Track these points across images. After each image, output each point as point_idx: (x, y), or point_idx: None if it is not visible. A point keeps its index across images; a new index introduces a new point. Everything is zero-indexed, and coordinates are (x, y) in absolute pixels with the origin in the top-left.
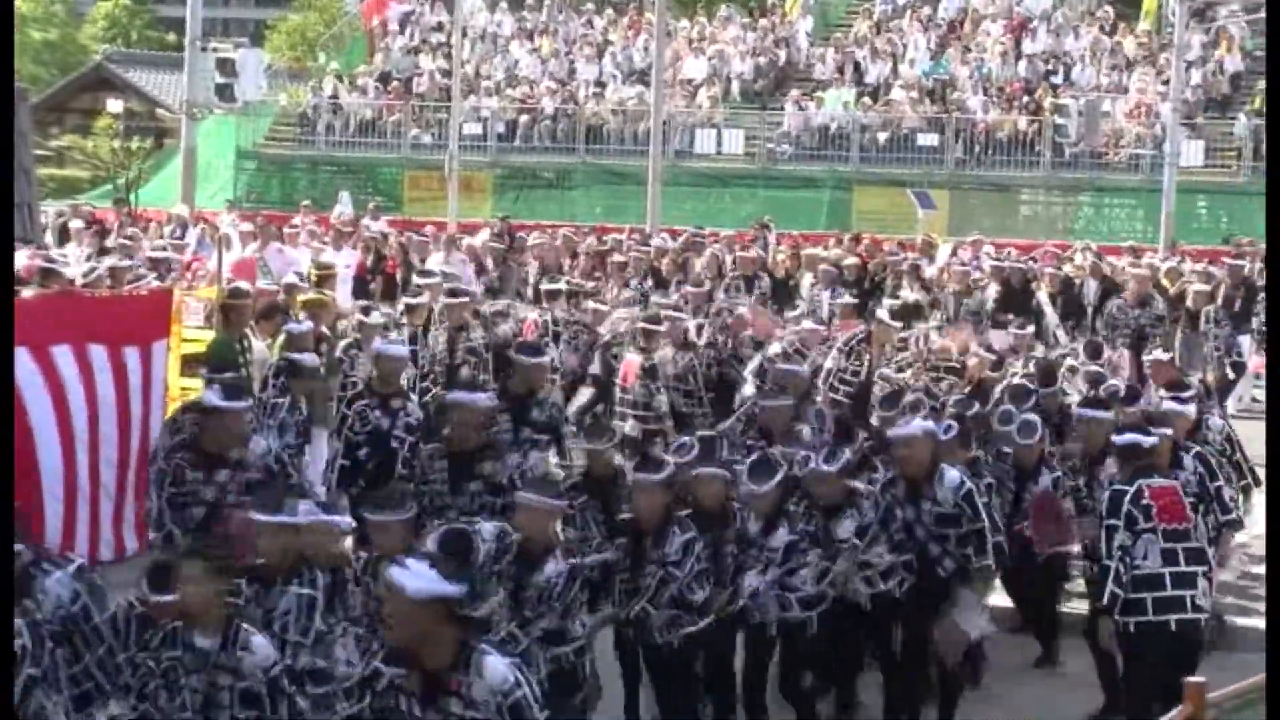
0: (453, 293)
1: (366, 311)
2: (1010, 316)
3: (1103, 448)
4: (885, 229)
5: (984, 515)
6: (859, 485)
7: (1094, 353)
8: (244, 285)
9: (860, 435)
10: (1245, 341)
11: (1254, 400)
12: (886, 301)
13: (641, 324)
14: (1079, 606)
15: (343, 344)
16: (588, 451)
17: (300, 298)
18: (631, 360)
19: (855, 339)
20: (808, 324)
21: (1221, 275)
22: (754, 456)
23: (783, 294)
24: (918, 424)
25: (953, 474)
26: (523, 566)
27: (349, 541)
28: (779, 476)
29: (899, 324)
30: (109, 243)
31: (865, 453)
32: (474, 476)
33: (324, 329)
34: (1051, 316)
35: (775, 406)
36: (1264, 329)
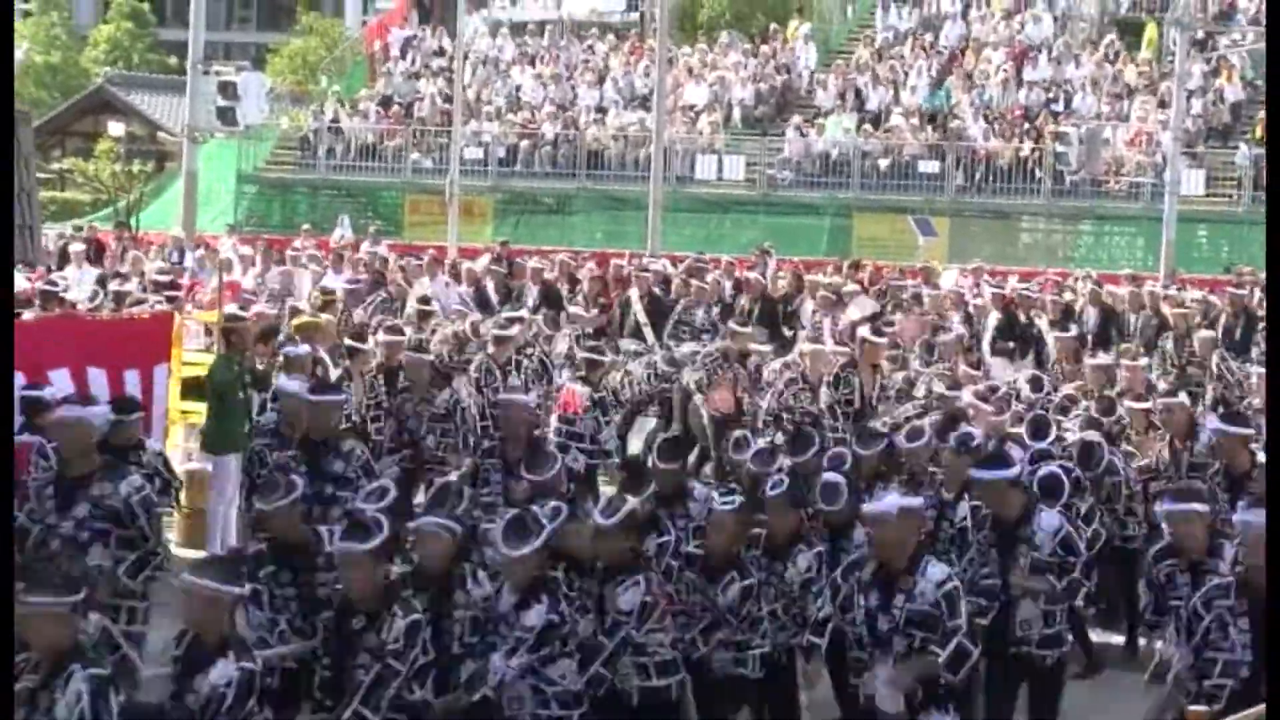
0: (392, 330)
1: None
2: (1011, 345)
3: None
4: (886, 256)
5: (963, 618)
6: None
7: (1035, 385)
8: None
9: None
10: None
11: None
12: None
13: (586, 354)
14: None
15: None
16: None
17: (295, 321)
18: (578, 390)
19: (840, 368)
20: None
21: (1222, 304)
22: (509, 515)
23: (782, 320)
24: (894, 500)
25: (939, 567)
26: (187, 667)
27: None
28: (538, 540)
29: (884, 340)
30: (110, 266)
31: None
32: (83, 500)
33: (321, 353)
34: (1052, 345)
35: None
36: (1263, 357)
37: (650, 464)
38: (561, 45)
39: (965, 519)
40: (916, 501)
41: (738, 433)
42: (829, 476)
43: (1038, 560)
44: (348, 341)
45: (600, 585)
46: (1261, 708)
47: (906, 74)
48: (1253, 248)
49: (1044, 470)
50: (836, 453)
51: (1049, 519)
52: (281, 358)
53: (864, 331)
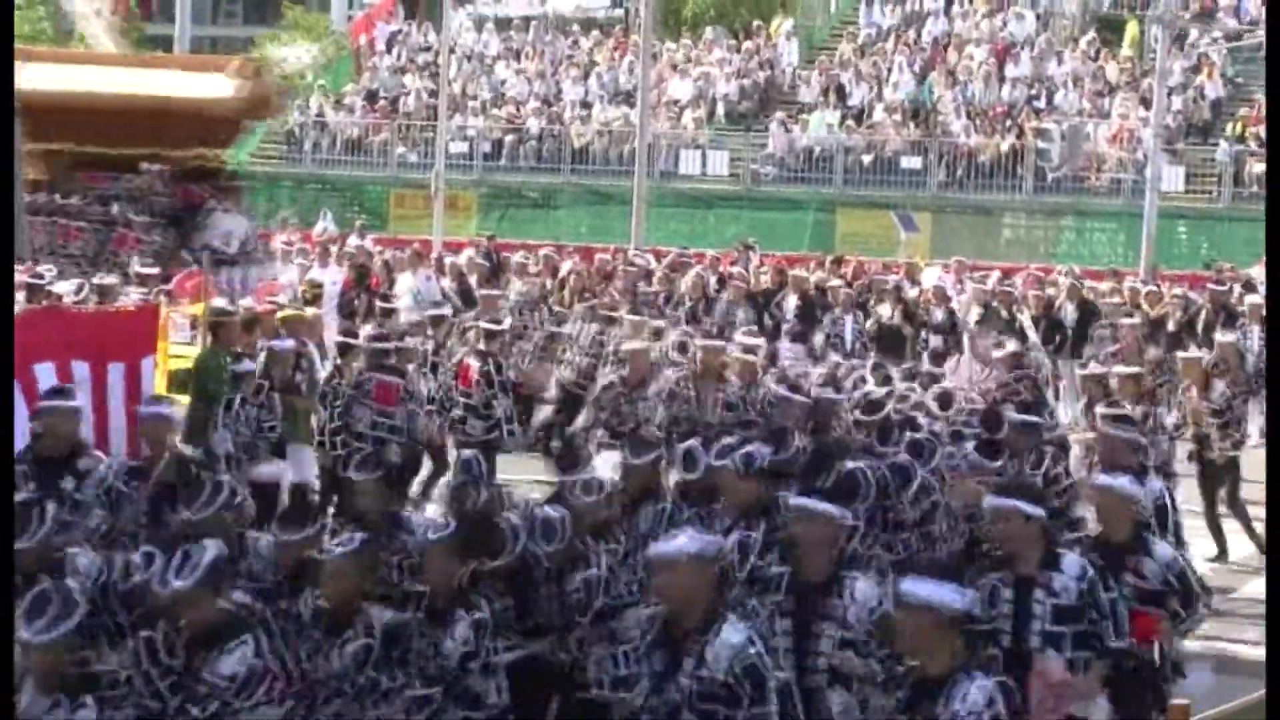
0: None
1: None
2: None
3: None
4: (868, 251)
5: (772, 702)
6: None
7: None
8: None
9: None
10: None
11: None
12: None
13: (484, 324)
14: None
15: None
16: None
17: (280, 314)
18: (470, 364)
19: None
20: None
21: (1202, 300)
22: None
23: (764, 314)
24: (685, 540)
25: (737, 627)
26: None
27: None
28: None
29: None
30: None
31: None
32: None
33: (308, 345)
34: (1034, 339)
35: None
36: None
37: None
38: (546, 40)
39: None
40: (713, 542)
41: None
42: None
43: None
44: (339, 338)
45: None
46: (1258, 695)
47: (889, 70)
48: (1232, 244)
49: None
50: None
51: (864, 590)
52: (264, 351)
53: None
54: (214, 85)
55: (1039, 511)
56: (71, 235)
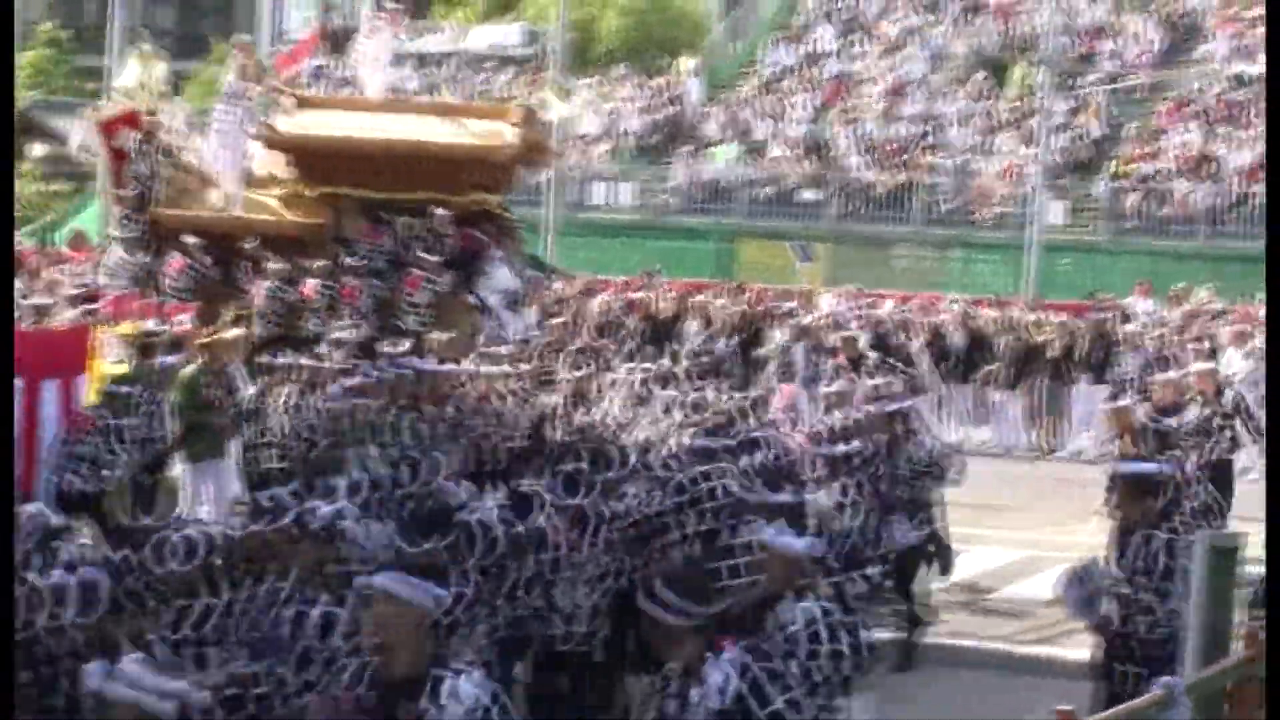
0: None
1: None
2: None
3: None
4: (768, 279)
5: None
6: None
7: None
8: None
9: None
10: (1103, 391)
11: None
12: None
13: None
14: None
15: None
16: None
17: (201, 337)
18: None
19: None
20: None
21: (1083, 328)
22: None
23: (665, 338)
24: (386, 575)
25: (466, 683)
26: None
27: None
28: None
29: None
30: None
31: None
32: None
33: (233, 368)
34: (926, 365)
35: None
36: (1121, 379)
37: None
38: (463, 77)
39: None
40: (416, 587)
41: None
42: None
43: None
44: (264, 358)
45: None
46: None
47: (789, 107)
48: (1112, 275)
49: None
50: None
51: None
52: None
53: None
54: (496, 131)
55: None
56: (350, 294)
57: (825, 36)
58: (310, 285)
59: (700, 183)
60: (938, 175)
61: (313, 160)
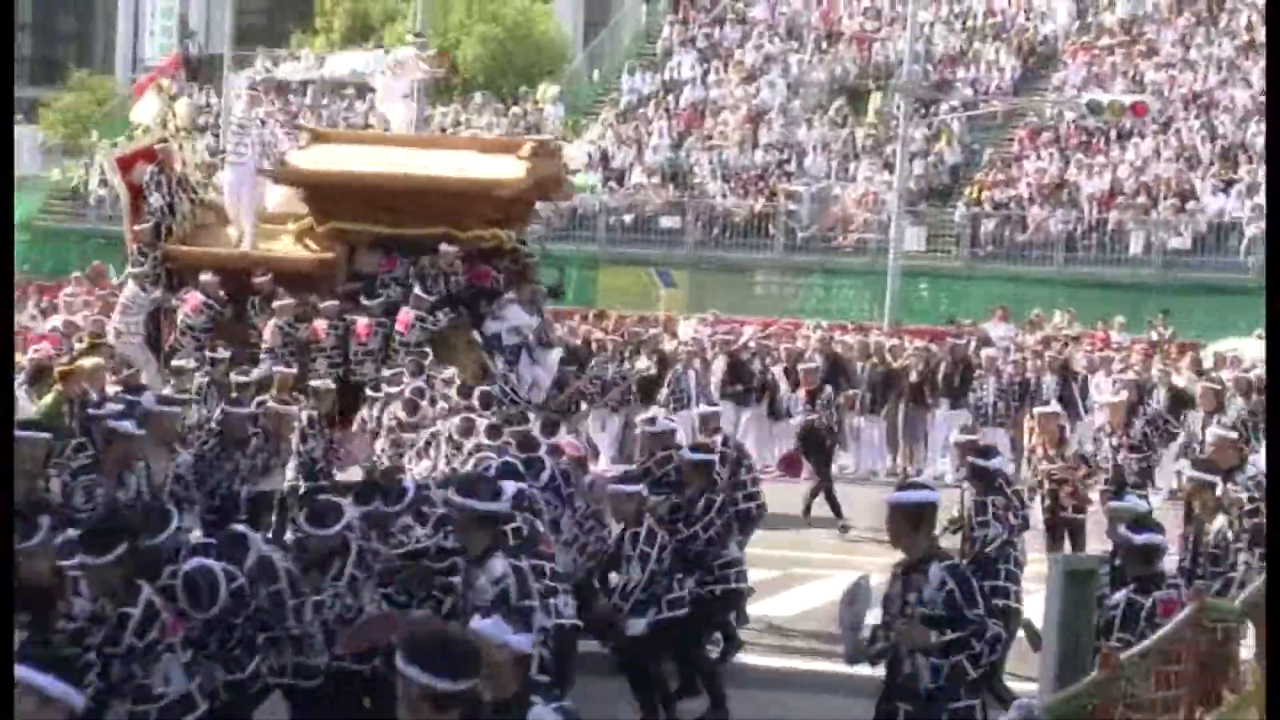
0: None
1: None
2: (739, 388)
3: None
4: (629, 305)
5: None
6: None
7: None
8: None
9: None
10: (962, 415)
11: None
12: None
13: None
14: None
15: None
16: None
17: (60, 367)
18: None
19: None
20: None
21: (942, 353)
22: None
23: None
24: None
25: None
26: None
27: None
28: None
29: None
30: None
31: None
32: None
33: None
34: (786, 390)
35: None
36: (981, 403)
37: None
38: (323, 104)
39: None
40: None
41: None
42: None
43: None
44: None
45: None
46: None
47: (649, 135)
48: (969, 301)
49: None
50: None
51: None
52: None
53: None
54: (507, 166)
55: None
56: (364, 332)
57: (685, 64)
58: (319, 324)
59: (561, 210)
60: (797, 202)
61: (325, 195)
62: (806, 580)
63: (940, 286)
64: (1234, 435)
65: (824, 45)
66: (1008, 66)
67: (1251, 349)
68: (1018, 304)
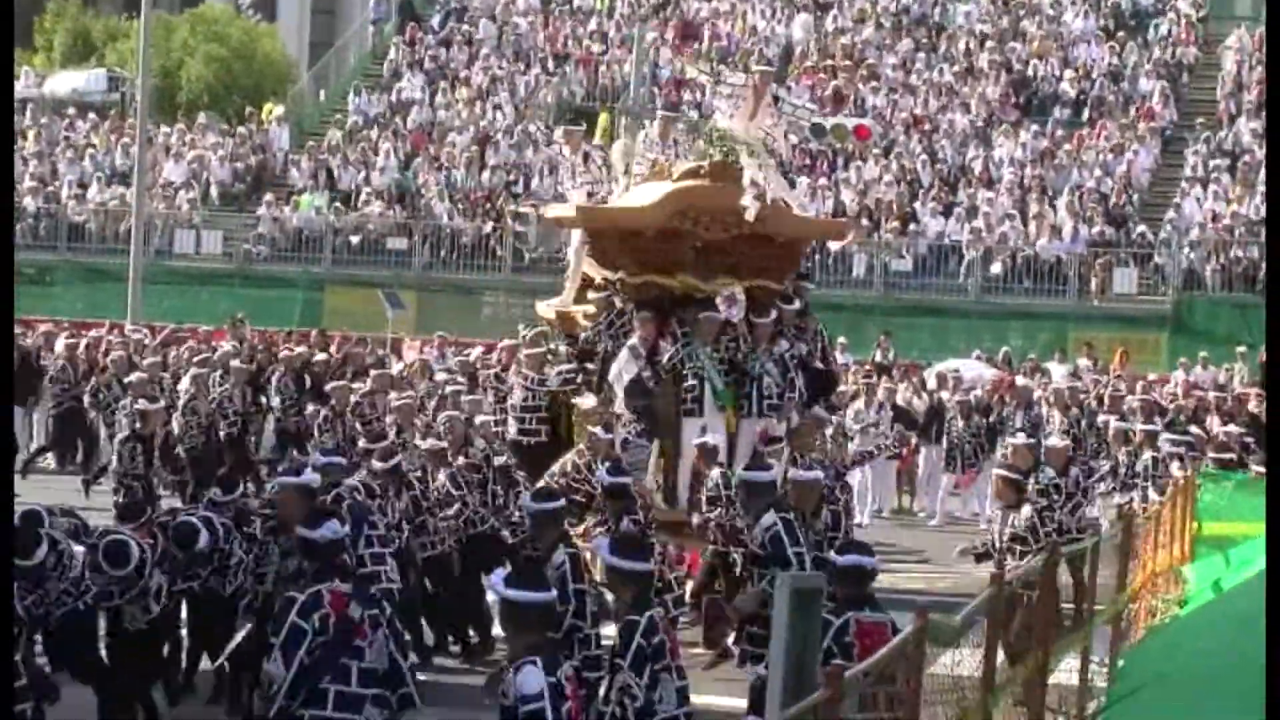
0: None
1: None
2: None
3: None
4: (357, 327)
5: None
6: None
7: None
8: None
9: None
10: None
11: None
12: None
13: None
14: None
15: None
16: None
17: None
18: None
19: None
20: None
21: None
22: None
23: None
24: None
25: None
26: None
27: None
28: None
29: None
30: None
31: None
32: None
33: None
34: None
35: None
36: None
37: None
38: (43, 123)
39: None
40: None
41: None
42: None
43: None
44: None
45: None
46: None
47: (376, 155)
48: None
49: None
50: None
51: None
52: None
53: None
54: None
55: None
56: None
57: (413, 85)
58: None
59: (287, 231)
60: (524, 223)
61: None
62: None
63: None
64: (1032, 442)
65: (552, 66)
66: (734, 85)
67: (970, 369)
68: None
